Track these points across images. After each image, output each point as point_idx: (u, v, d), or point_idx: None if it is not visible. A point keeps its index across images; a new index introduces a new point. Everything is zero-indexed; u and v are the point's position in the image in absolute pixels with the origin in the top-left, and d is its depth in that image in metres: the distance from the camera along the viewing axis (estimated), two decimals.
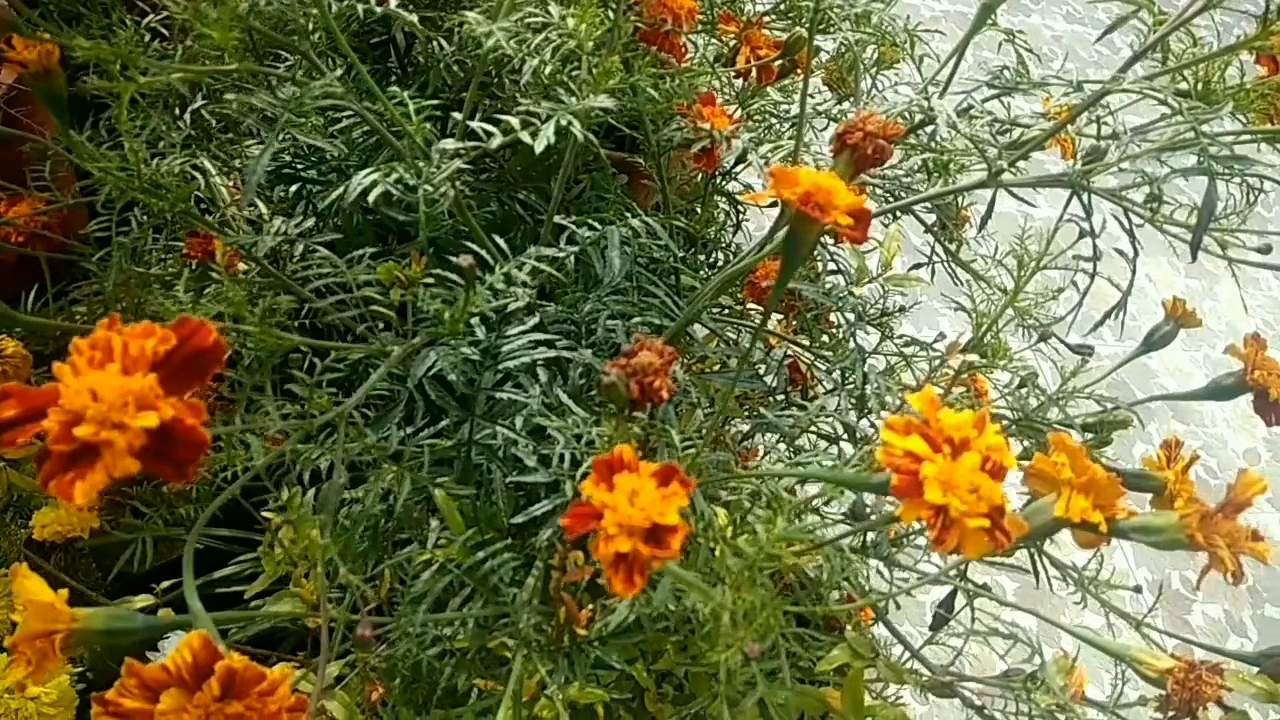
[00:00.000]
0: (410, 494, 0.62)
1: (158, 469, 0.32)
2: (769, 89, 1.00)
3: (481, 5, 0.92)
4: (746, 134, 0.74)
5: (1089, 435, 0.83)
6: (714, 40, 1.02)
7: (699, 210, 1.09)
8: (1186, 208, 0.72)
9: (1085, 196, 0.64)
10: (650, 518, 0.37)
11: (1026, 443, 0.73)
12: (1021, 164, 0.78)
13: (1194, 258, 0.60)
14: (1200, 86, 0.62)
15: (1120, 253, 0.77)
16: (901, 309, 0.99)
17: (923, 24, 0.99)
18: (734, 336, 0.86)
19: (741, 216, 1.17)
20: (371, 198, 0.59)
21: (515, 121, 0.59)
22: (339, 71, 0.53)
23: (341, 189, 0.61)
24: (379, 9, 0.64)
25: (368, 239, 0.89)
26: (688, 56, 0.81)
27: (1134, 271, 0.76)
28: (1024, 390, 0.72)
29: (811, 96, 0.84)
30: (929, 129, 0.67)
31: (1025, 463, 0.57)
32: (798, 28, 0.81)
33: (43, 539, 0.87)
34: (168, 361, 0.33)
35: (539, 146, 0.56)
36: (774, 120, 1.10)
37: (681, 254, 0.92)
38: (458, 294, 0.52)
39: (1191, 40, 0.61)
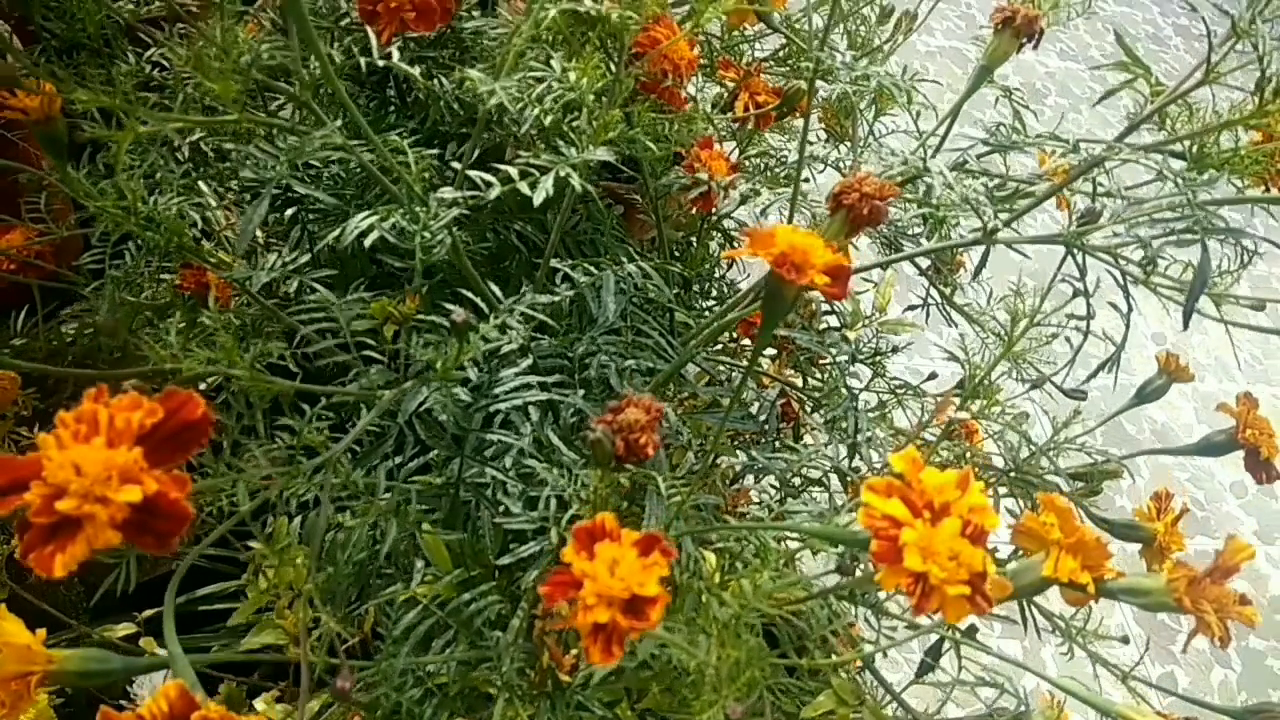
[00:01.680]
0: (397, 529, 0.62)
1: (140, 541, 0.32)
2: (766, 131, 1.01)
3: (482, 45, 0.94)
4: (743, 182, 0.74)
5: (1078, 484, 0.84)
6: (712, 81, 1.03)
7: (694, 244, 1.09)
8: (1180, 263, 0.72)
9: (1080, 256, 0.64)
10: (630, 588, 0.37)
11: (1017, 494, 0.73)
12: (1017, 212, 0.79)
13: (1186, 325, 0.61)
14: (1195, 149, 0.62)
15: (1114, 306, 0.77)
16: (895, 349, 1.00)
17: (917, 59, 0.99)
18: (726, 374, 0.86)
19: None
20: (368, 241, 0.59)
21: (514, 172, 0.59)
22: (339, 122, 0.53)
23: (338, 230, 0.62)
24: (381, 61, 0.64)
25: (362, 264, 0.90)
26: (686, 101, 0.81)
27: (1128, 326, 0.76)
28: (1015, 440, 0.72)
29: (810, 143, 0.84)
30: (926, 181, 0.67)
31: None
32: (797, 81, 0.82)
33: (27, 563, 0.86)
34: (154, 434, 0.33)
35: (538, 199, 0.57)
36: (771, 163, 1.11)
37: (676, 291, 0.92)
38: (450, 341, 0.52)
39: (1187, 108, 0.61)
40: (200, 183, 0.77)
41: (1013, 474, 0.72)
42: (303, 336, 0.65)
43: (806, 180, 1.14)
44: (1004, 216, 0.64)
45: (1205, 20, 0.57)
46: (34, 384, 0.90)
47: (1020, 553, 0.57)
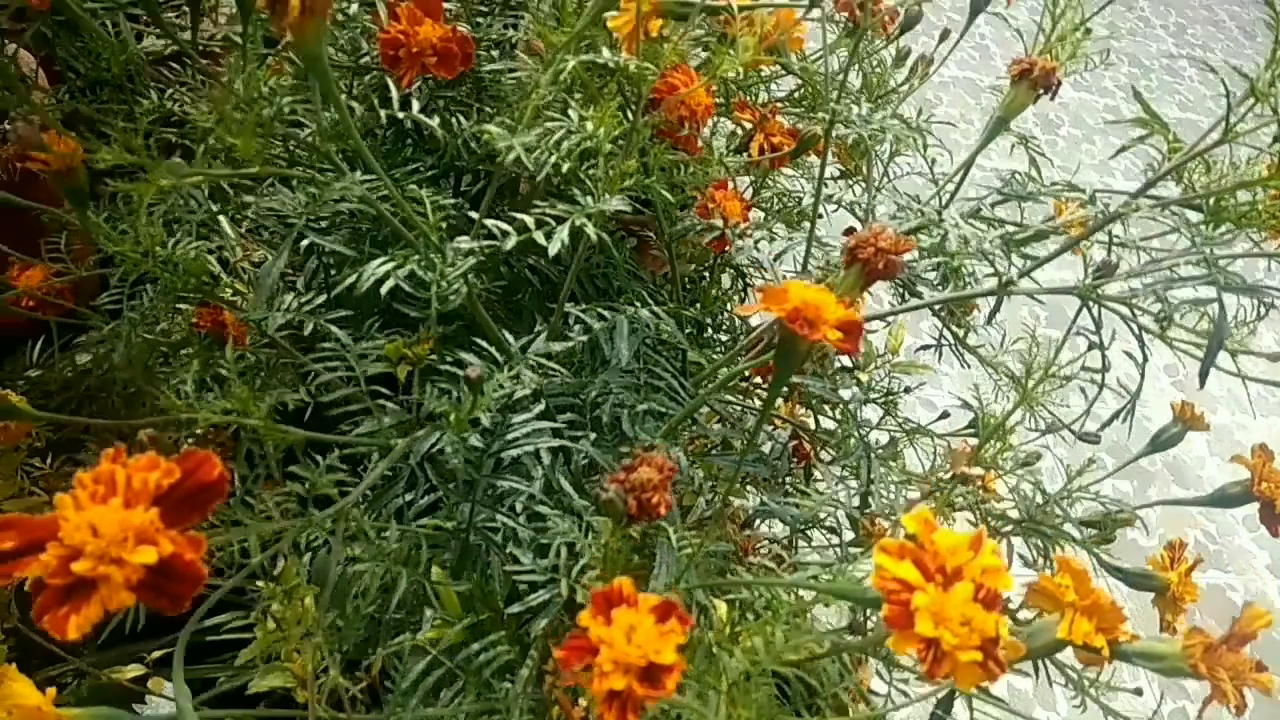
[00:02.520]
0: (407, 577, 0.62)
1: (153, 602, 0.32)
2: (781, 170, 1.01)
3: (500, 84, 0.94)
4: (757, 226, 0.74)
5: (1092, 531, 0.83)
6: (726, 118, 1.03)
7: (708, 277, 1.09)
8: (1196, 311, 0.72)
9: (1095, 309, 0.64)
10: (647, 656, 0.37)
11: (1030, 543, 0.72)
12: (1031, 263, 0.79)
13: (1202, 384, 0.60)
14: (1212, 204, 0.62)
15: (1129, 355, 0.77)
16: (907, 389, 0.99)
17: (930, 90, 1.00)
18: (737, 414, 0.86)
19: (749, 286, 1.17)
20: (385, 289, 0.60)
21: (530, 221, 0.60)
22: (359, 174, 0.54)
23: (355, 276, 0.62)
24: (401, 114, 0.65)
25: (376, 300, 0.90)
26: (702, 148, 0.82)
27: (1143, 376, 0.76)
28: (1028, 488, 0.72)
29: (825, 183, 0.84)
30: (941, 230, 0.68)
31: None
32: (812, 127, 0.82)
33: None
34: (170, 495, 0.33)
35: (553, 249, 0.57)
36: (786, 202, 1.11)
37: (688, 330, 0.92)
38: (464, 393, 0.52)
39: (1204, 164, 0.62)
40: (220, 217, 0.78)
41: (1026, 524, 0.72)
42: (317, 378, 0.65)
43: (820, 217, 1.14)
44: (1019, 262, 0.64)
45: (1224, 82, 0.57)
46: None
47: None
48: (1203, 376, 0.61)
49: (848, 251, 0.59)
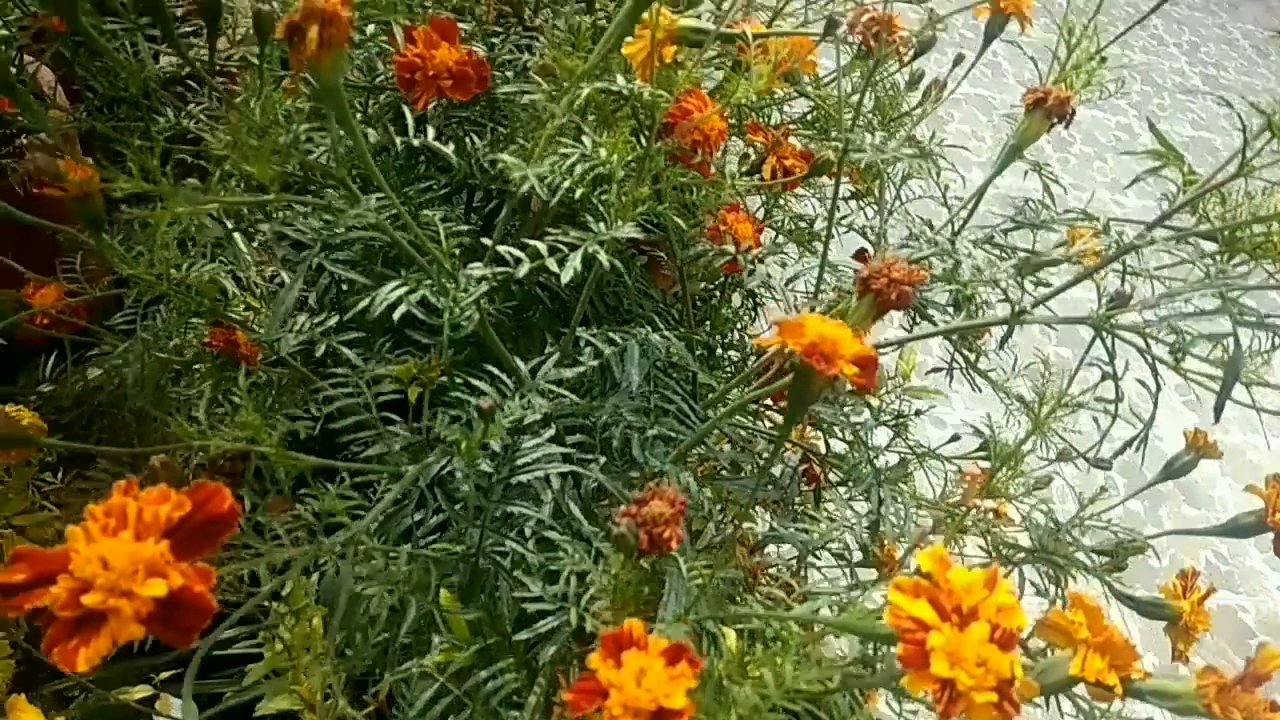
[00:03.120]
0: (416, 602, 0.62)
1: (163, 635, 0.32)
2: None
3: (513, 105, 0.95)
4: (769, 253, 0.74)
5: (1104, 559, 0.82)
6: (738, 139, 1.03)
7: (719, 296, 1.09)
8: (1210, 341, 0.72)
9: (1109, 340, 0.64)
10: (657, 700, 0.37)
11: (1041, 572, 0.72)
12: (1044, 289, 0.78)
13: (1217, 419, 0.60)
14: (1227, 236, 0.62)
15: (1143, 384, 0.76)
16: (918, 412, 0.99)
17: (943, 107, 1.00)
18: (748, 436, 0.85)
19: (760, 306, 1.17)
20: (397, 315, 0.60)
21: (543, 247, 0.60)
22: (374, 200, 0.54)
23: (368, 299, 0.62)
24: (416, 140, 0.65)
25: (387, 319, 0.90)
26: (714, 173, 0.82)
27: (1156, 406, 0.75)
28: (1040, 517, 0.72)
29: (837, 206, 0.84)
30: (954, 258, 0.67)
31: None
32: (825, 153, 0.82)
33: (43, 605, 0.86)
34: (181, 527, 0.33)
35: (565, 277, 0.57)
36: (797, 224, 1.11)
37: (699, 352, 0.92)
38: (476, 422, 0.52)
39: (1219, 196, 0.61)
40: (235, 234, 0.79)
41: (1038, 553, 0.71)
42: (327, 399, 0.65)
43: (831, 237, 1.14)
44: (1032, 288, 0.64)
45: (1241, 116, 0.57)
46: (60, 430, 0.91)
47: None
48: (1218, 411, 0.60)
49: (861, 282, 0.59)
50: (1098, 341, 0.71)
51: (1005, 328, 0.83)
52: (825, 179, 1.04)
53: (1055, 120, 0.72)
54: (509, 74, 0.97)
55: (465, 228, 0.60)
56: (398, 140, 0.64)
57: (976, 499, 0.71)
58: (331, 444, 0.79)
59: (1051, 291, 0.67)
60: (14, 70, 0.90)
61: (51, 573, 0.32)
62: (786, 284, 0.73)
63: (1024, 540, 0.76)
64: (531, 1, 1.10)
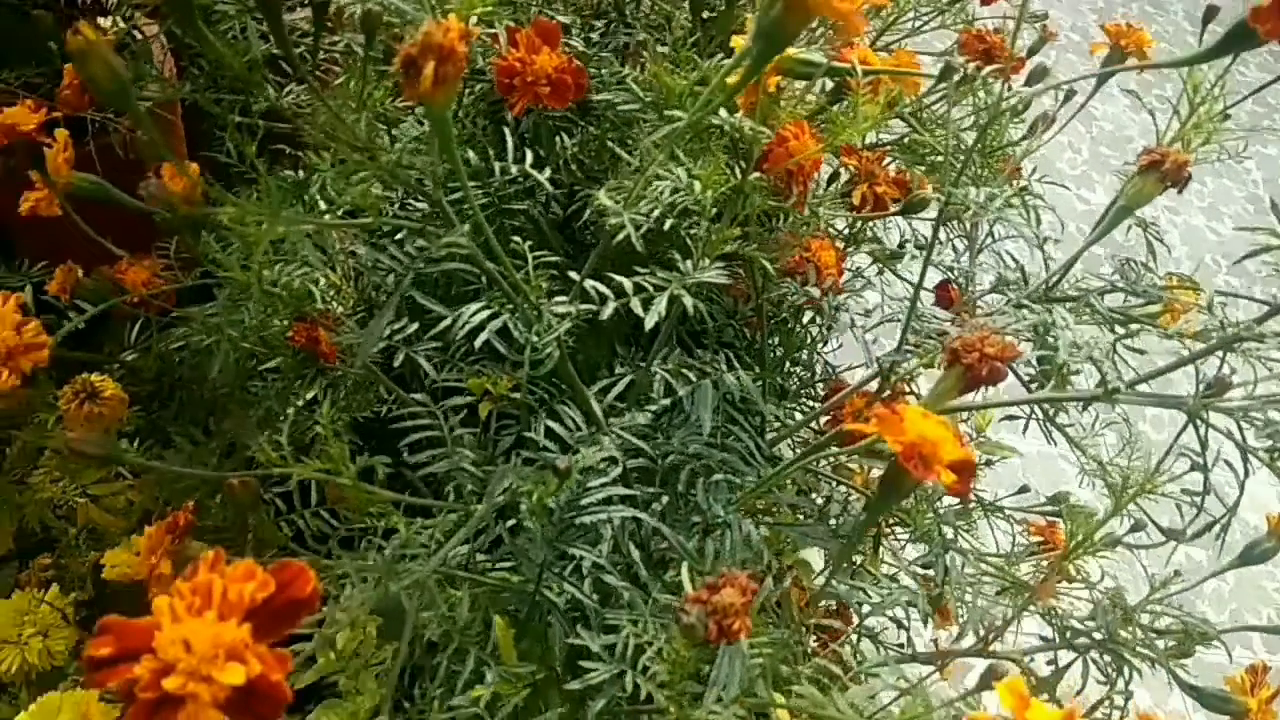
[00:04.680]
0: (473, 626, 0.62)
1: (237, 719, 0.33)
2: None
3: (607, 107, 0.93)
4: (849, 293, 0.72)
5: (1169, 644, 0.80)
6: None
7: (791, 319, 1.07)
8: None
9: (1202, 428, 0.61)
10: None
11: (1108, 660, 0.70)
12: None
13: None
14: None
15: (1229, 464, 0.73)
16: (989, 463, 0.96)
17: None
18: (813, 482, 0.84)
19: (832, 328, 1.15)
20: (478, 341, 0.59)
21: (628, 285, 0.59)
22: (466, 227, 0.54)
23: (450, 319, 0.62)
24: (514, 168, 0.64)
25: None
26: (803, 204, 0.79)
27: (1241, 490, 0.72)
28: (1106, 599, 0.69)
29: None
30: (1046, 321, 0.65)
31: None
32: (921, 191, 0.79)
33: (110, 578, 0.89)
34: (265, 608, 0.33)
35: (650, 322, 0.56)
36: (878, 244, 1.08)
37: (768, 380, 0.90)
38: (550, 479, 0.52)
39: None
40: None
41: (1105, 642, 0.69)
42: (406, 414, 0.66)
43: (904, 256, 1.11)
44: (1126, 385, 0.61)
45: None
46: (139, 403, 0.93)
47: None
48: None
49: (950, 352, 0.57)
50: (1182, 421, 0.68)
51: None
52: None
53: (1170, 185, 0.69)
54: (604, 72, 0.96)
55: (554, 259, 0.59)
56: (497, 167, 0.63)
57: (1049, 596, 0.69)
58: (388, 439, 0.79)
59: (1149, 374, 0.64)
60: (126, 41, 0.91)
61: (136, 648, 0.32)
62: (867, 332, 0.71)
63: (1086, 621, 0.74)
64: None
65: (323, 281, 0.74)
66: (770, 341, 0.88)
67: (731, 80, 0.69)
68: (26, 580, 0.97)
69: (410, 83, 0.48)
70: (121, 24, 1.04)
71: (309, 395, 0.80)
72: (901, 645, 0.90)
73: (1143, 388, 0.67)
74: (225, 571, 0.34)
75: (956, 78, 0.71)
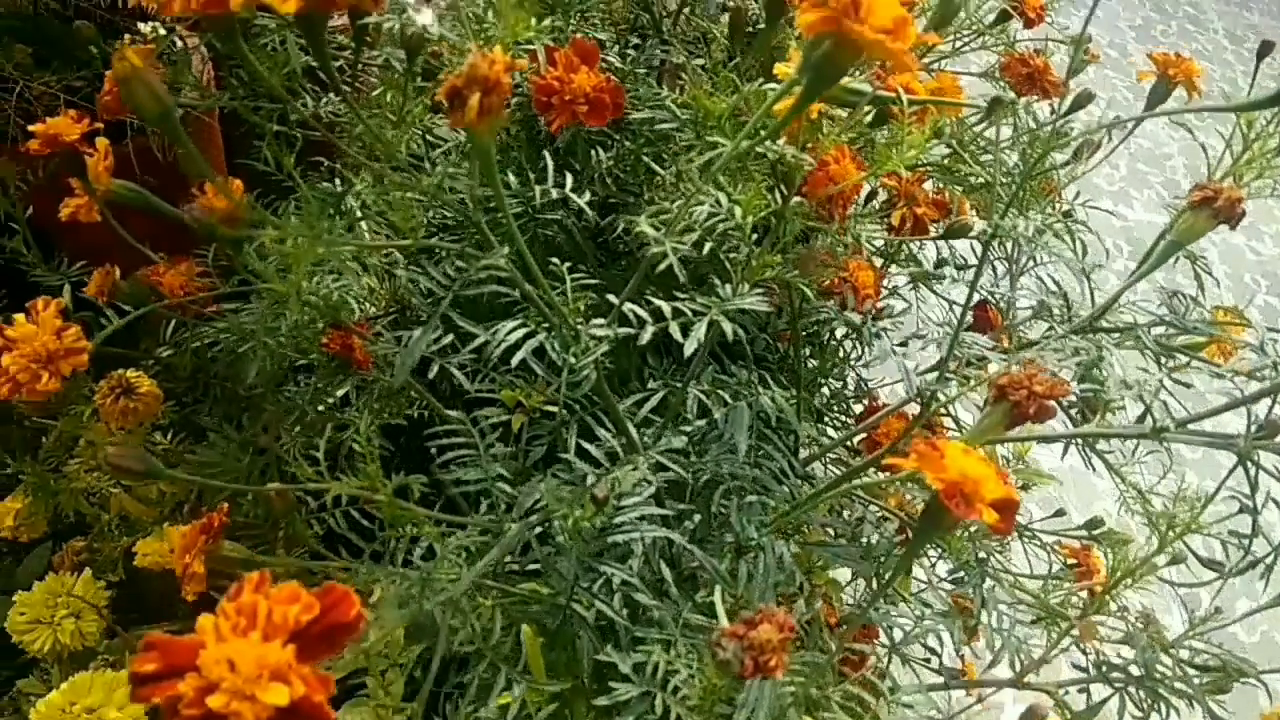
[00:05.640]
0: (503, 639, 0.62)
1: None
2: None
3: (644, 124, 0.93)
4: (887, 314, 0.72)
5: (1205, 679, 0.78)
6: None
7: (826, 337, 1.06)
8: None
9: (1253, 471, 0.60)
10: None
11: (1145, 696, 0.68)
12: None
13: None
14: None
15: (1277, 502, 0.72)
16: (1025, 487, 0.95)
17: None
18: (847, 504, 0.83)
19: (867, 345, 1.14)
20: (515, 359, 0.59)
21: (667, 309, 0.59)
22: (506, 249, 0.54)
23: (486, 336, 0.62)
24: (555, 191, 0.64)
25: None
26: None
27: None
28: (1148, 644, 0.68)
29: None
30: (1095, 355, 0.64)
31: None
32: (963, 218, 0.79)
33: (141, 565, 0.90)
34: (308, 630, 0.34)
35: (689, 349, 0.56)
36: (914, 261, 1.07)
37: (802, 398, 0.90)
38: (587, 504, 0.52)
39: None
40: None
41: (1143, 678, 0.68)
42: (442, 429, 0.66)
43: (944, 280, 1.10)
44: (1176, 426, 0.60)
45: None
46: (173, 398, 0.95)
47: None
48: None
49: (997, 388, 0.56)
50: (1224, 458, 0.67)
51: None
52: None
53: (1222, 221, 0.68)
54: (640, 89, 0.96)
55: (592, 281, 0.59)
56: (538, 191, 0.63)
57: (1094, 639, 0.68)
58: (417, 441, 0.79)
59: (1199, 415, 0.63)
60: (167, 51, 0.93)
61: (180, 666, 0.32)
62: (906, 357, 0.70)
63: (1122, 655, 0.73)
64: (671, 14, 1.08)
65: (356, 287, 0.74)
66: (803, 352, 0.87)
67: (779, 109, 0.69)
68: (60, 563, 0.98)
69: (455, 113, 0.48)
70: (162, 30, 1.05)
71: (340, 393, 0.81)
72: (927, 660, 0.89)
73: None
74: (270, 593, 0.34)
75: (1002, 108, 0.70)
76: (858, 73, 0.71)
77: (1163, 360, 0.72)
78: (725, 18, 1.02)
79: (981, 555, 0.77)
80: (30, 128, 0.69)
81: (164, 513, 0.97)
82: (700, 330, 0.56)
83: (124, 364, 0.89)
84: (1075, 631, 0.69)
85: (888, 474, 0.59)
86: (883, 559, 0.73)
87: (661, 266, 0.54)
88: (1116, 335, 0.69)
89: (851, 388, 1.14)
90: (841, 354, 1.08)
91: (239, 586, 0.34)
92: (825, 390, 1.10)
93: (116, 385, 0.86)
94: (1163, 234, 0.71)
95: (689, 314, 0.59)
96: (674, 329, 0.57)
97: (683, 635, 0.56)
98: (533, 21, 0.64)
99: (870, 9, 0.46)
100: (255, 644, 0.33)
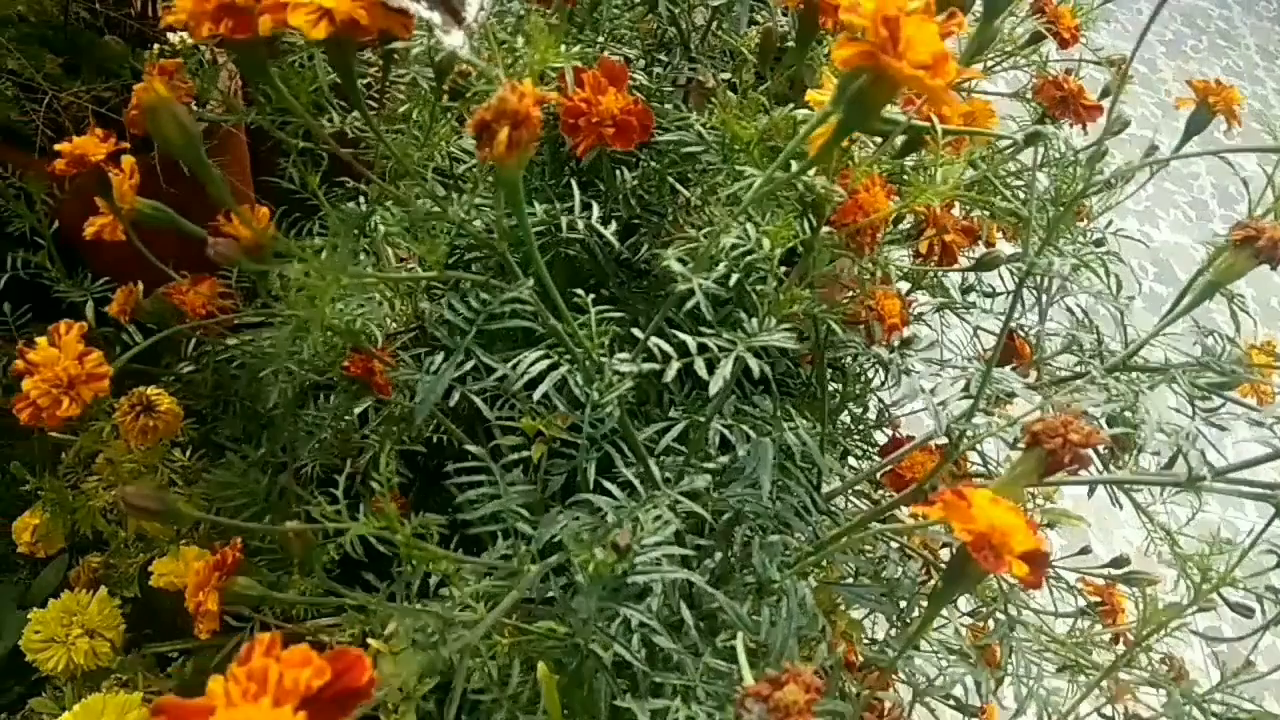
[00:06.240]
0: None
1: None
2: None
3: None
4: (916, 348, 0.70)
5: None
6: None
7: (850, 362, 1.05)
8: None
9: None
10: None
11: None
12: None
13: None
14: None
15: None
16: (1050, 525, 0.93)
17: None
18: (870, 543, 0.82)
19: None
20: (537, 394, 0.58)
21: (692, 344, 0.57)
22: (531, 281, 0.53)
23: (508, 368, 0.61)
24: (581, 222, 0.63)
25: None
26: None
27: None
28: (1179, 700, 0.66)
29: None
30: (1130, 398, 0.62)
31: None
32: (994, 250, 0.77)
33: (157, 585, 0.90)
34: (319, 696, 0.33)
35: (714, 388, 0.55)
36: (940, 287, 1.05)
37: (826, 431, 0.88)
38: (609, 553, 0.51)
39: None
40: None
41: None
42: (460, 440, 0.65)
43: (972, 306, 1.08)
44: (1212, 474, 0.58)
45: None
46: (193, 415, 0.94)
47: None
48: None
49: (1031, 435, 0.55)
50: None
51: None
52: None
53: (1264, 262, 0.66)
54: (668, 106, 0.95)
55: (617, 314, 0.58)
56: (564, 221, 0.62)
57: (1130, 698, 0.66)
58: (438, 484, 0.78)
59: (1237, 464, 0.61)
60: (196, 69, 0.93)
61: None
62: (935, 396, 0.68)
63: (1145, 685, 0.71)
64: (699, 29, 1.07)
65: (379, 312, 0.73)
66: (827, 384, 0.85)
67: (814, 137, 0.68)
68: (76, 579, 0.98)
69: (484, 146, 0.47)
70: (190, 40, 1.05)
71: (357, 411, 0.80)
72: (946, 697, 0.87)
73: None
74: (281, 656, 0.33)
75: (1040, 140, 0.68)
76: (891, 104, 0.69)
77: (1196, 403, 0.70)
78: (753, 30, 1.01)
79: (1011, 610, 0.76)
80: (56, 147, 0.69)
81: (180, 531, 0.97)
82: (726, 368, 0.55)
83: (145, 380, 0.89)
84: (1106, 686, 0.67)
85: (913, 519, 0.58)
86: (906, 600, 0.72)
87: (689, 305, 0.53)
88: (1149, 376, 0.67)
89: (874, 414, 1.12)
90: (864, 380, 1.06)
91: (249, 650, 0.33)
92: (846, 417, 1.08)
93: (137, 403, 0.86)
94: (1199, 271, 0.70)
95: (714, 349, 0.57)
96: (700, 365, 0.56)
97: (703, 682, 0.55)
98: (563, 49, 0.63)
99: (909, 44, 0.45)
100: (266, 710, 0.32)
